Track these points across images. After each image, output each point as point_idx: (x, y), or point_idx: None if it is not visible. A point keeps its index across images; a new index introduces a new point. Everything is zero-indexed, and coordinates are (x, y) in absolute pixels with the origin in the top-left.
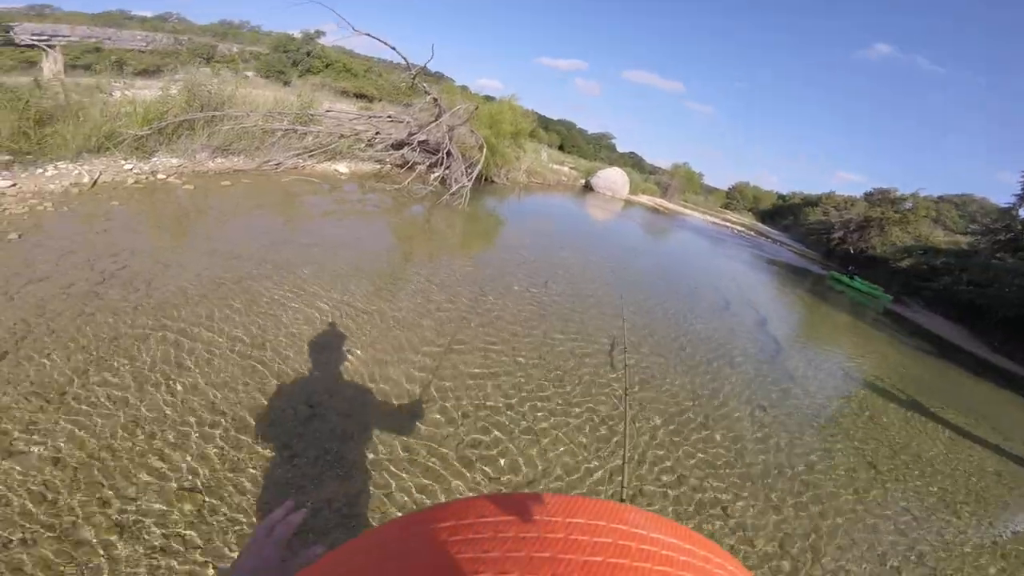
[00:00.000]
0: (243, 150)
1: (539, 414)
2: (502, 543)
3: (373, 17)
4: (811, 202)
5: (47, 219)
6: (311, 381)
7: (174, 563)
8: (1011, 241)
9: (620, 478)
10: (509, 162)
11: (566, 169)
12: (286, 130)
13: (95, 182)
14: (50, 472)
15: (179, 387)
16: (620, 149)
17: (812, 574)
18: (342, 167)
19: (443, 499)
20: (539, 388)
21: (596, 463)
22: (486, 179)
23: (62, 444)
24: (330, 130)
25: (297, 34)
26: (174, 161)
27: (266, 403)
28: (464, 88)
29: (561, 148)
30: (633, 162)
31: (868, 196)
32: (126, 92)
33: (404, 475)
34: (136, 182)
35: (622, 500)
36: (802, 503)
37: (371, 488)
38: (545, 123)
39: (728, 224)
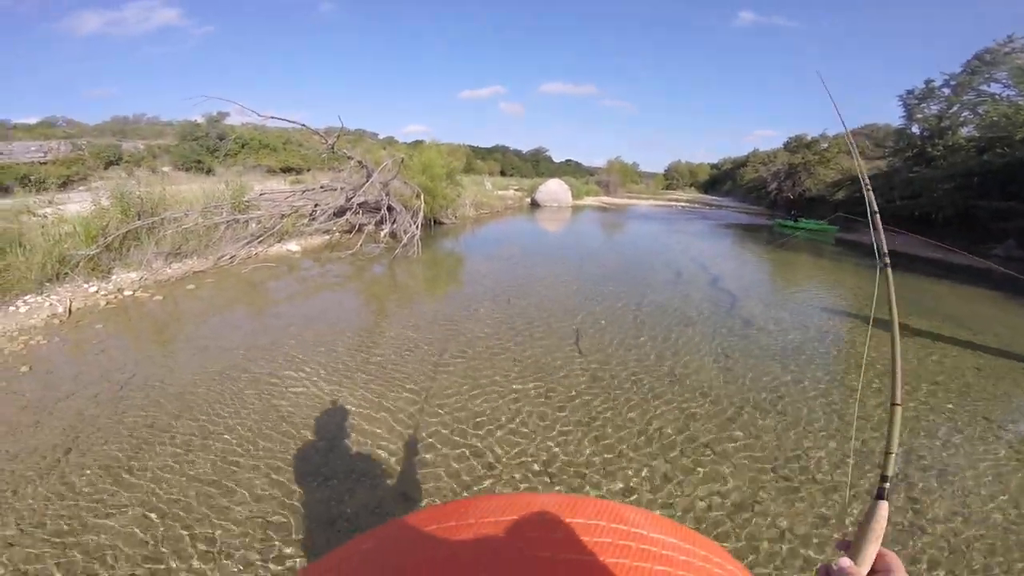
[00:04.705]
0: (194, 250)
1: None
2: (504, 542)
3: (284, 83)
4: (741, 163)
5: (46, 351)
6: (323, 422)
7: None
8: (919, 155)
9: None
10: (452, 201)
11: (511, 192)
12: (228, 222)
13: (70, 310)
14: (143, 520)
15: (217, 447)
16: (557, 159)
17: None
18: (293, 245)
19: (444, 491)
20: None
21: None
22: (435, 222)
23: (149, 499)
24: (270, 212)
25: (201, 120)
26: (133, 275)
27: (291, 443)
28: (391, 140)
29: (503, 173)
30: (571, 169)
31: (786, 146)
32: (57, 210)
33: (425, 478)
34: (108, 303)
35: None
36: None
37: (399, 489)
38: (481, 154)
39: (673, 203)
